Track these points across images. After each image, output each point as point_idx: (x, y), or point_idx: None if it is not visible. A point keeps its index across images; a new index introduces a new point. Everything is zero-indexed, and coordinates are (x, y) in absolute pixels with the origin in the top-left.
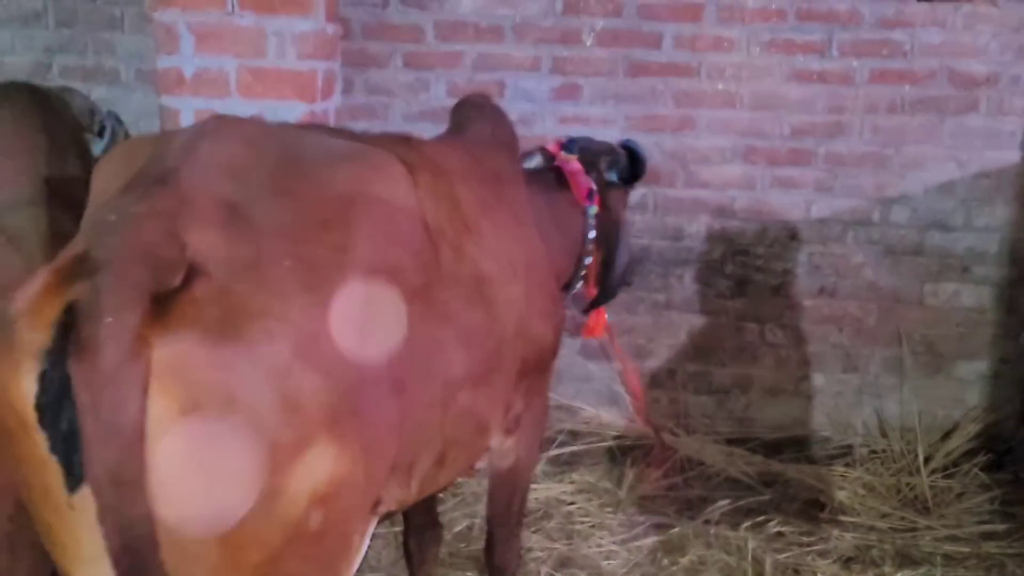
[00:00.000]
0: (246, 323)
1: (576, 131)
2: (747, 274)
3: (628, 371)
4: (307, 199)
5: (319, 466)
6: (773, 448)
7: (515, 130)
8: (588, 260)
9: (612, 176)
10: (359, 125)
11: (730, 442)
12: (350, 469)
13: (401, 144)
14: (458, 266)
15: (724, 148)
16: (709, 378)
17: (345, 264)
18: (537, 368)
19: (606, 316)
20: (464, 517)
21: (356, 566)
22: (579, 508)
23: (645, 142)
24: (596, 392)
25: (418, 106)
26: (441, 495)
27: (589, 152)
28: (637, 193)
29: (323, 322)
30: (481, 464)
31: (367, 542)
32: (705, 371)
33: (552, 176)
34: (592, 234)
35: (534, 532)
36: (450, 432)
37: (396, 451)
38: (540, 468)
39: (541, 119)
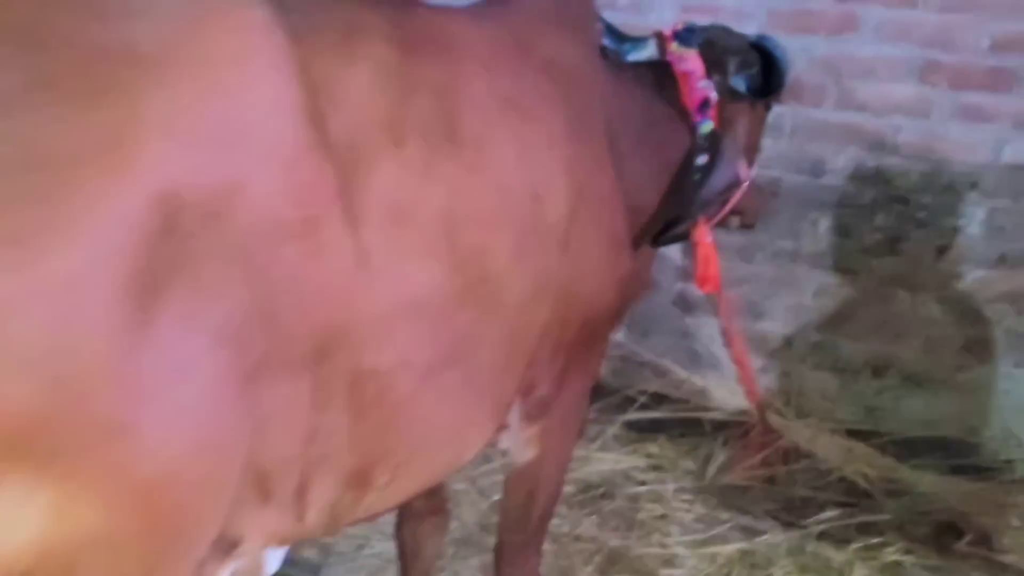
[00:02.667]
0: None
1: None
2: (904, 228)
3: (734, 333)
4: (79, 57)
5: (16, 520)
6: (908, 450)
7: (593, 5)
8: None
9: (740, 84)
10: None
11: (852, 435)
12: (103, 520)
13: (375, 5)
14: (409, 196)
15: (895, 61)
16: (836, 352)
17: (132, 172)
18: (584, 338)
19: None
20: None
21: None
22: (649, 491)
23: (791, 46)
24: (691, 352)
25: None
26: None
27: (715, 48)
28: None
29: (63, 270)
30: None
31: None
32: (832, 343)
33: (658, 75)
34: (702, 159)
35: (587, 515)
36: (377, 442)
37: (249, 472)
38: (611, 432)
39: (659, 5)
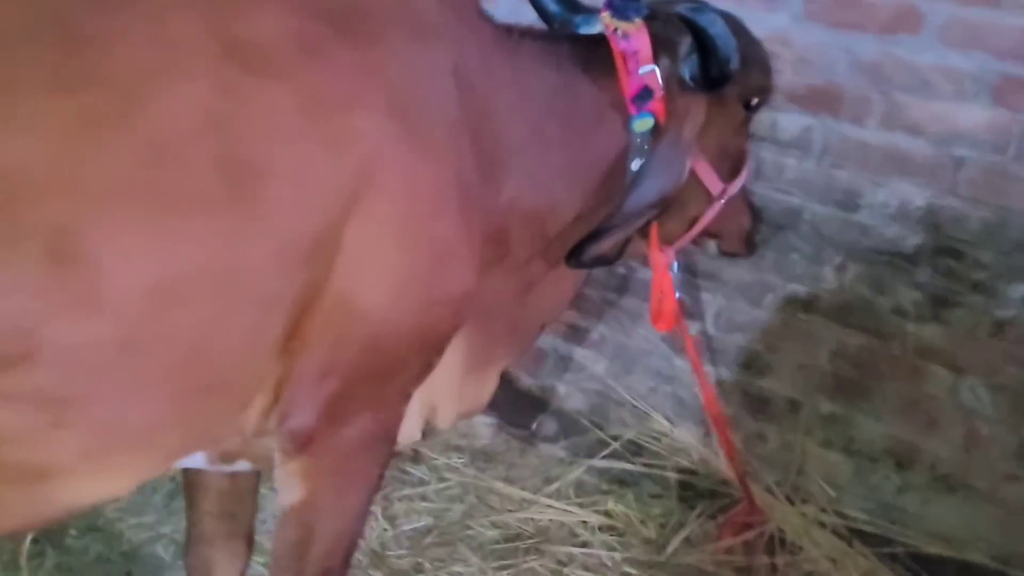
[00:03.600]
0: None
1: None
2: (953, 289)
3: (703, 382)
4: None
5: None
6: (927, 569)
7: None
8: None
9: (686, 72)
10: None
11: (858, 536)
12: None
13: None
14: None
15: (962, 73)
16: (851, 430)
17: None
18: (375, 366)
19: (676, 298)
20: (421, 514)
21: None
22: (589, 555)
23: (829, 43)
24: (678, 399)
25: None
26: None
27: (669, 25)
28: (793, 123)
29: None
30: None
31: None
32: (847, 417)
33: (591, 53)
34: (637, 162)
35: (498, 569)
36: None
37: None
38: (572, 477)
39: None
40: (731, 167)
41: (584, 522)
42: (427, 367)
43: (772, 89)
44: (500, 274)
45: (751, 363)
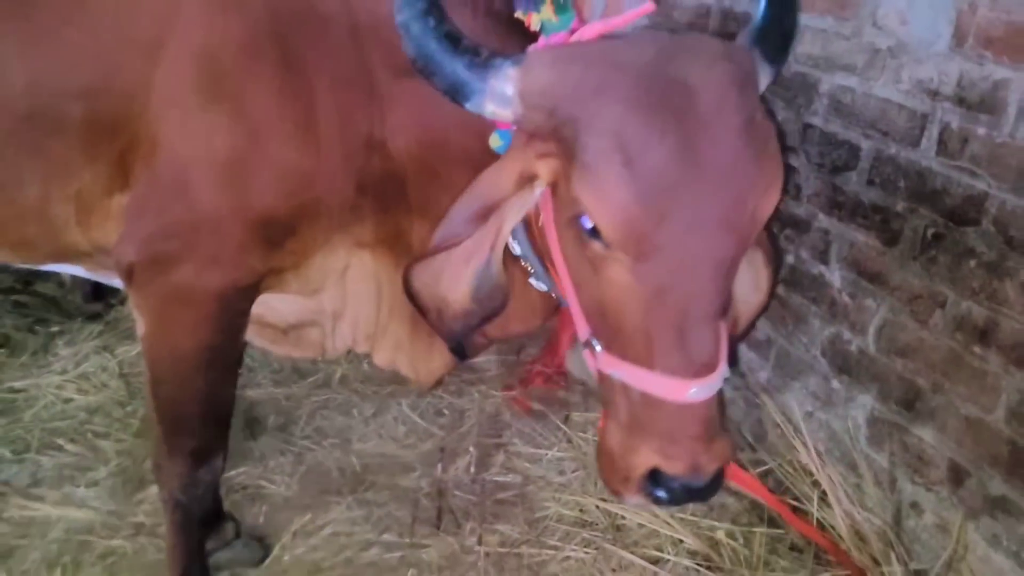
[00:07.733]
0: None
1: None
2: None
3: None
4: None
5: None
6: None
7: None
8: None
9: None
10: None
11: None
12: None
13: None
14: None
15: None
16: None
17: None
18: (180, 218)
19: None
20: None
21: None
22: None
23: None
24: (831, 432)
25: None
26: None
27: None
28: (983, 75)
29: None
30: None
31: None
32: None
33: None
34: None
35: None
36: None
37: None
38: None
39: None
40: None
41: (680, 540)
42: (258, 241)
43: None
44: (406, 216)
45: (911, 402)
